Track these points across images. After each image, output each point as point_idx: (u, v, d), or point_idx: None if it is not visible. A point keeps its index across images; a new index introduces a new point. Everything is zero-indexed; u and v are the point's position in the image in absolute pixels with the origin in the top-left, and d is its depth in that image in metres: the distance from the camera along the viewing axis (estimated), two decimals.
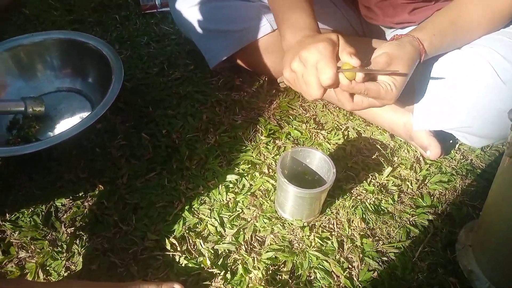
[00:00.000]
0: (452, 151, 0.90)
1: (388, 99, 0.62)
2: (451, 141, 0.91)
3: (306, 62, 0.60)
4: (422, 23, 0.71)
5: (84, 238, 0.73)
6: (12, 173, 0.83)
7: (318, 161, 0.75)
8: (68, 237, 0.73)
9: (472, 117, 0.71)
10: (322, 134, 0.93)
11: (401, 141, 0.91)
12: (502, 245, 0.63)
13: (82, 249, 0.71)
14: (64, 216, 0.76)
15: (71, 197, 0.79)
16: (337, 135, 0.92)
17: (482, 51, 0.71)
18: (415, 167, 0.86)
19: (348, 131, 0.93)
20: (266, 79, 1.04)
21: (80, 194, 0.79)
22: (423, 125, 0.79)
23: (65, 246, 0.72)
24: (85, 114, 0.92)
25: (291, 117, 0.96)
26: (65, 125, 0.91)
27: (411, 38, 0.66)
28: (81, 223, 0.75)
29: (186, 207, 0.78)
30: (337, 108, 0.98)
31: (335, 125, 0.95)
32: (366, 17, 0.95)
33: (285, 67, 0.64)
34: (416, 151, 0.89)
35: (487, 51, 0.70)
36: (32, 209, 0.77)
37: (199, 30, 0.96)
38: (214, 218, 0.76)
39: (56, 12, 1.27)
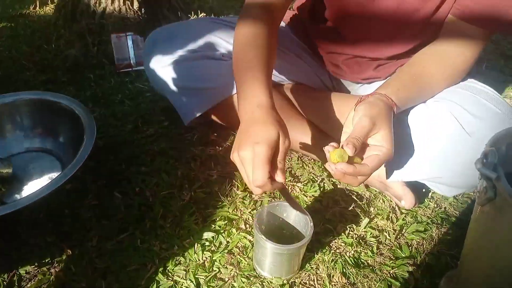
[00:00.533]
0: (425, 200, 0.91)
1: (388, 159, 0.64)
2: (423, 190, 0.92)
3: (243, 161, 0.61)
4: (386, 81, 0.75)
5: None
6: None
7: (295, 215, 0.75)
8: None
9: (442, 168, 0.73)
10: (298, 186, 0.93)
11: (376, 191, 0.92)
12: None
13: None
14: (28, 285, 0.71)
15: (36, 264, 0.74)
16: (313, 187, 0.92)
17: (446, 106, 0.74)
18: (391, 217, 0.87)
19: (324, 182, 0.94)
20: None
21: (47, 260, 0.75)
22: (395, 177, 0.80)
23: None
24: (54, 175, 0.90)
25: None
26: (33, 186, 0.88)
27: (378, 95, 0.69)
28: None
29: (160, 269, 0.74)
30: (312, 160, 0.99)
31: (311, 177, 0.95)
32: (334, 73, 1.00)
33: (232, 151, 0.65)
34: (391, 201, 0.90)
35: (451, 105, 0.74)
36: None
37: (173, 88, 0.97)
38: (190, 279, 0.73)
39: (29, 72, 1.27)
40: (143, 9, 1.36)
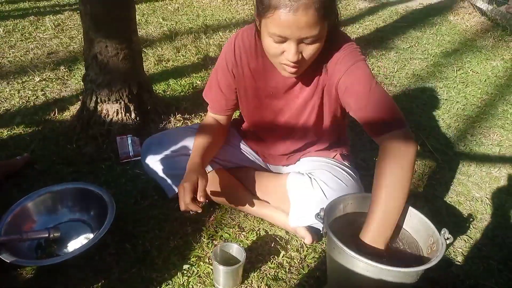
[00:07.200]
0: (323, 238, 1.46)
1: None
2: (321, 232, 1.47)
3: (179, 189, 1.23)
4: (365, 226, 1.06)
5: None
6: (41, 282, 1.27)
7: (236, 251, 1.28)
8: None
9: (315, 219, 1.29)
10: (243, 234, 1.46)
11: (291, 234, 1.47)
12: None
13: None
14: None
15: None
16: (252, 234, 1.46)
17: (317, 180, 1.32)
18: (299, 250, 1.41)
19: (260, 231, 1.48)
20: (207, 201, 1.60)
21: None
22: (294, 223, 1.36)
23: None
24: (88, 236, 1.41)
25: (223, 225, 1.50)
26: (73, 245, 1.38)
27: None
28: None
29: None
30: (253, 217, 1.54)
31: (252, 228, 1.49)
32: (265, 161, 1.59)
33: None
34: (300, 240, 1.44)
35: (320, 181, 1.32)
36: None
37: (161, 174, 1.52)
38: None
39: (58, 166, 1.80)
40: (138, 118, 1.95)
